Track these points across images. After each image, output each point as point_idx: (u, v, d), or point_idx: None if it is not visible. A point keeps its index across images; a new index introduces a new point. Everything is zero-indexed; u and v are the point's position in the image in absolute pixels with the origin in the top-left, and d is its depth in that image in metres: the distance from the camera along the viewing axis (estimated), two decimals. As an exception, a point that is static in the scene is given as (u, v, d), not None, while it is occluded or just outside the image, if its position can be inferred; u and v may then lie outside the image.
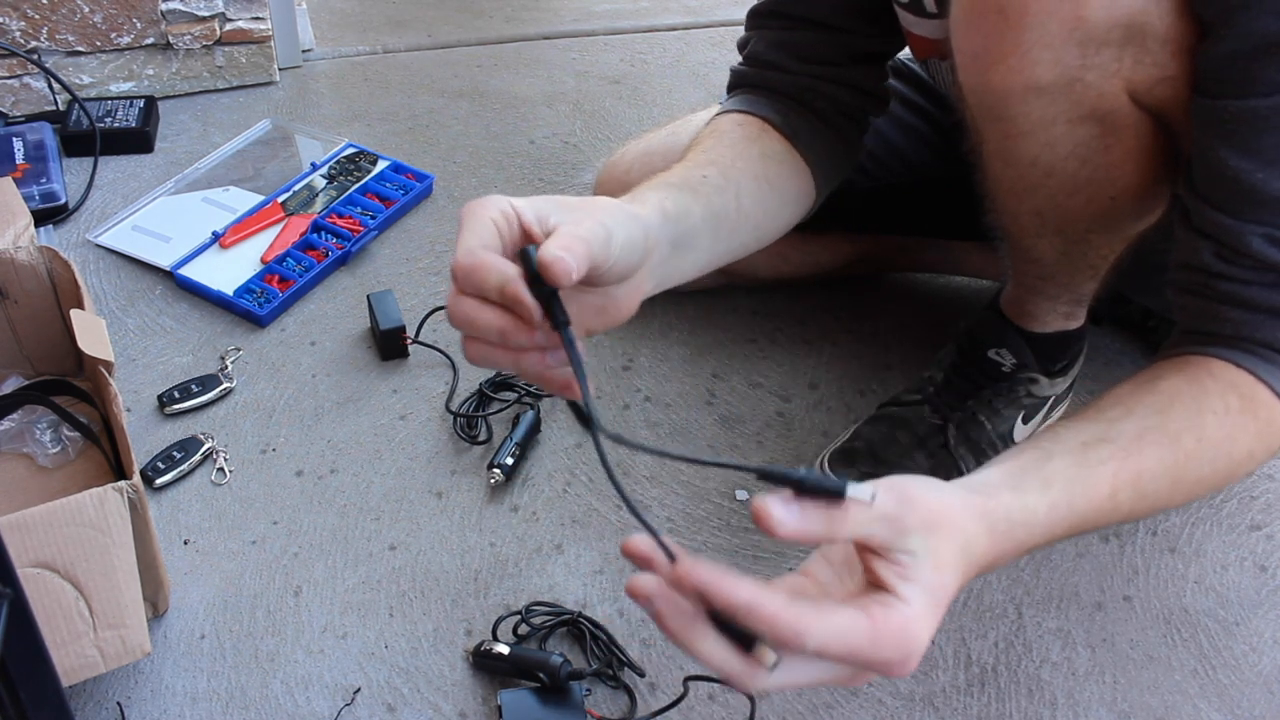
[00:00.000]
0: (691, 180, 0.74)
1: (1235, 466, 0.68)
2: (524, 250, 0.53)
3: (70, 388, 1.04)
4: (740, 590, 0.47)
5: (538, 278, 0.52)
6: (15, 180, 1.16)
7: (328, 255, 1.24)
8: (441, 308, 1.18)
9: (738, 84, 0.93)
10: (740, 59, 0.94)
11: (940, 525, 0.52)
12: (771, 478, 0.48)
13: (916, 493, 0.52)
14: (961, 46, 0.73)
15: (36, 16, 1.38)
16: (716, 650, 0.49)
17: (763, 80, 0.90)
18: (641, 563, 0.49)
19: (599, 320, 0.62)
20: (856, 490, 0.48)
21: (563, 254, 0.51)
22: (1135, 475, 0.62)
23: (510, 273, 0.52)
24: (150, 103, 1.45)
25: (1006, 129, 0.75)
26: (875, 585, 0.51)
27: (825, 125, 0.88)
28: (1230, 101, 0.65)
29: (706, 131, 0.85)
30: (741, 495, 1.01)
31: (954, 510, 0.54)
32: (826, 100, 0.89)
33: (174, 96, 1.52)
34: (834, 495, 0.48)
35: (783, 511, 0.47)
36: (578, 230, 0.54)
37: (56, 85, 1.42)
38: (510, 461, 1.00)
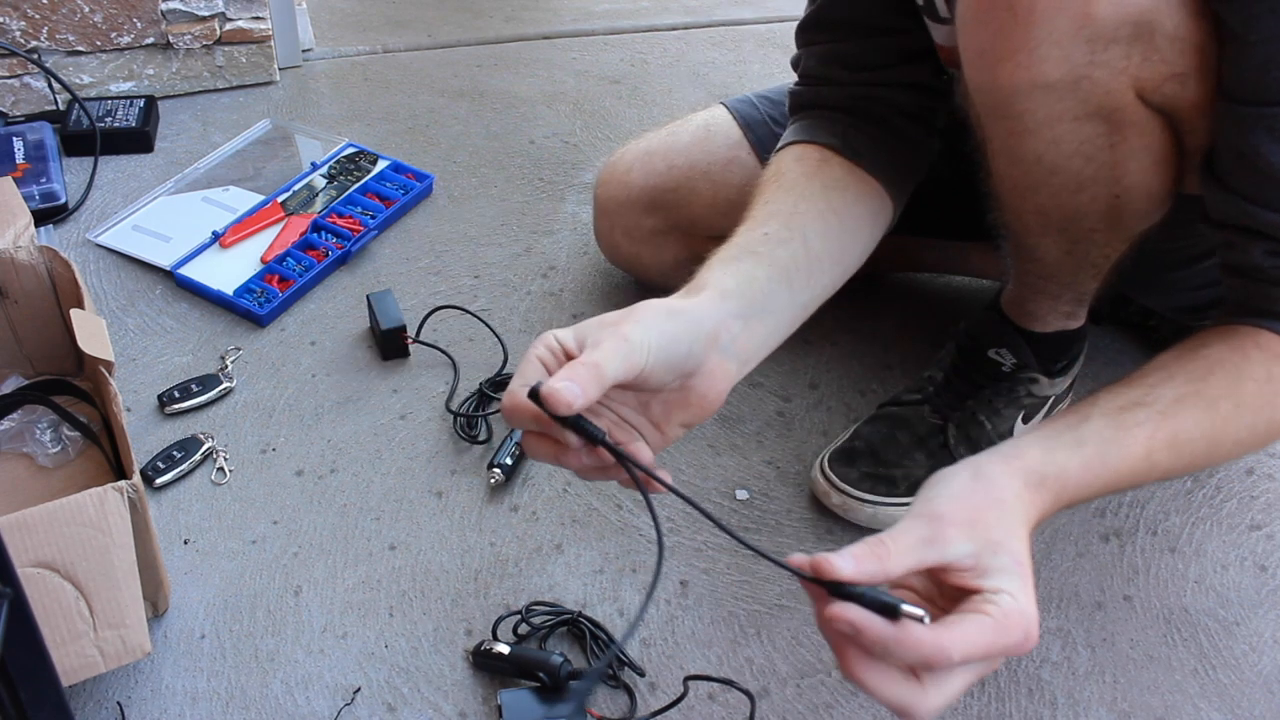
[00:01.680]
0: (751, 244, 0.74)
1: (1276, 430, 0.72)
2: (533, 388, 0.55)
3: (70, 388, 1.04)
4: (886, 628, 0.53)
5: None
6: (15, 180, 1.16)
7: (328, 255, 1.24)
8: (441, 307, 1.18)
9: (796, 106, 0.92)
10: (795, 79, 0.94)
11: (976, 517, 0.58)
12: (840, 594, 0.54)
13: (940, 508, 0.58)
14: (969, 43, 0.73)
15: (36, 16, 1.38)
16: (885, 683, 0.55)
17: (819, 98, 0.89)
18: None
19: (688, 414, 0.65)
20: (910, 610, 0.54)
21: (559, 384, 0.54)
22: (1171, 437, 0.67)
23: (534, 410, 0.56)
24: (150, 102, 1.45)
25: (1012, 126, 0.75)
26: (963, 592, 0.57)
27: (889, 134, 0.87)
28: (1276, 108, 0.65)
29: (769, 175, 0.84)
30: (742, 495, 1.01)
31: (984, 489, 0.60)
32: (886, 106, 0.88)
33: (174, 96, 1.52)
34: (888, 611, 0.54)
35: (843, 564, 0.54)
36: (593, 354, 0.57)
37: (56, 85, 1.42)
38: (510, 461, 1.01)
